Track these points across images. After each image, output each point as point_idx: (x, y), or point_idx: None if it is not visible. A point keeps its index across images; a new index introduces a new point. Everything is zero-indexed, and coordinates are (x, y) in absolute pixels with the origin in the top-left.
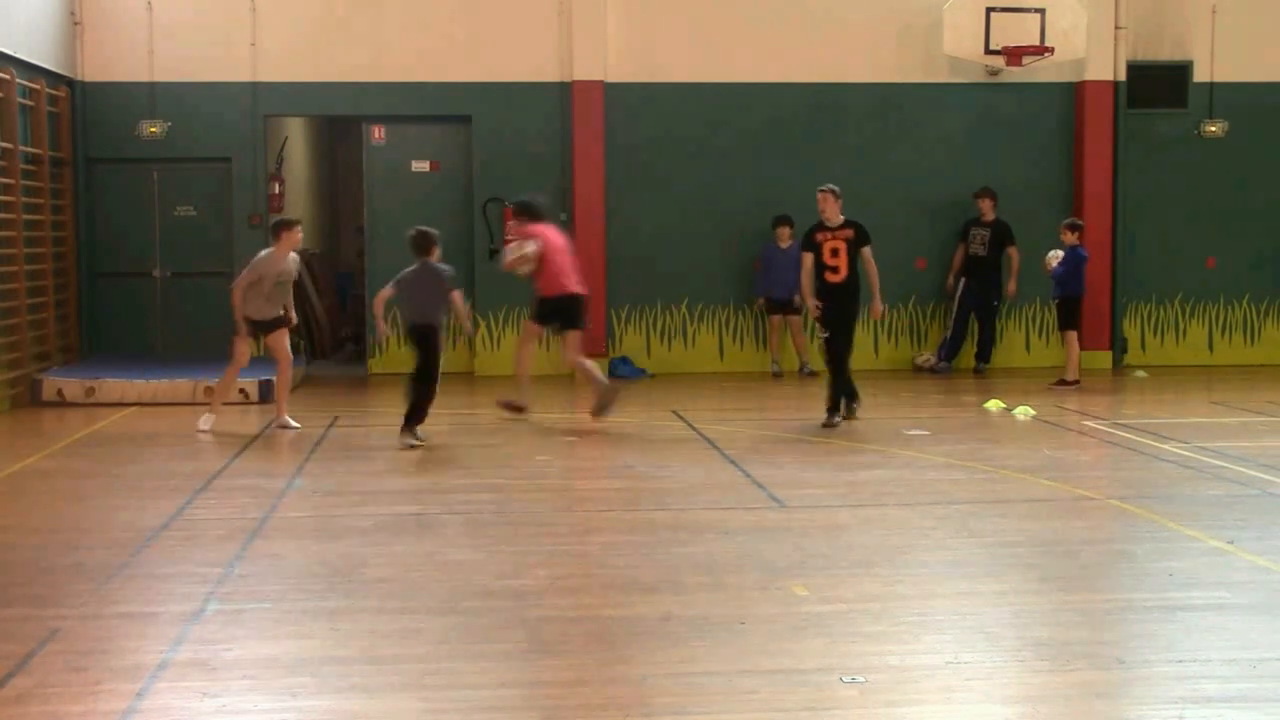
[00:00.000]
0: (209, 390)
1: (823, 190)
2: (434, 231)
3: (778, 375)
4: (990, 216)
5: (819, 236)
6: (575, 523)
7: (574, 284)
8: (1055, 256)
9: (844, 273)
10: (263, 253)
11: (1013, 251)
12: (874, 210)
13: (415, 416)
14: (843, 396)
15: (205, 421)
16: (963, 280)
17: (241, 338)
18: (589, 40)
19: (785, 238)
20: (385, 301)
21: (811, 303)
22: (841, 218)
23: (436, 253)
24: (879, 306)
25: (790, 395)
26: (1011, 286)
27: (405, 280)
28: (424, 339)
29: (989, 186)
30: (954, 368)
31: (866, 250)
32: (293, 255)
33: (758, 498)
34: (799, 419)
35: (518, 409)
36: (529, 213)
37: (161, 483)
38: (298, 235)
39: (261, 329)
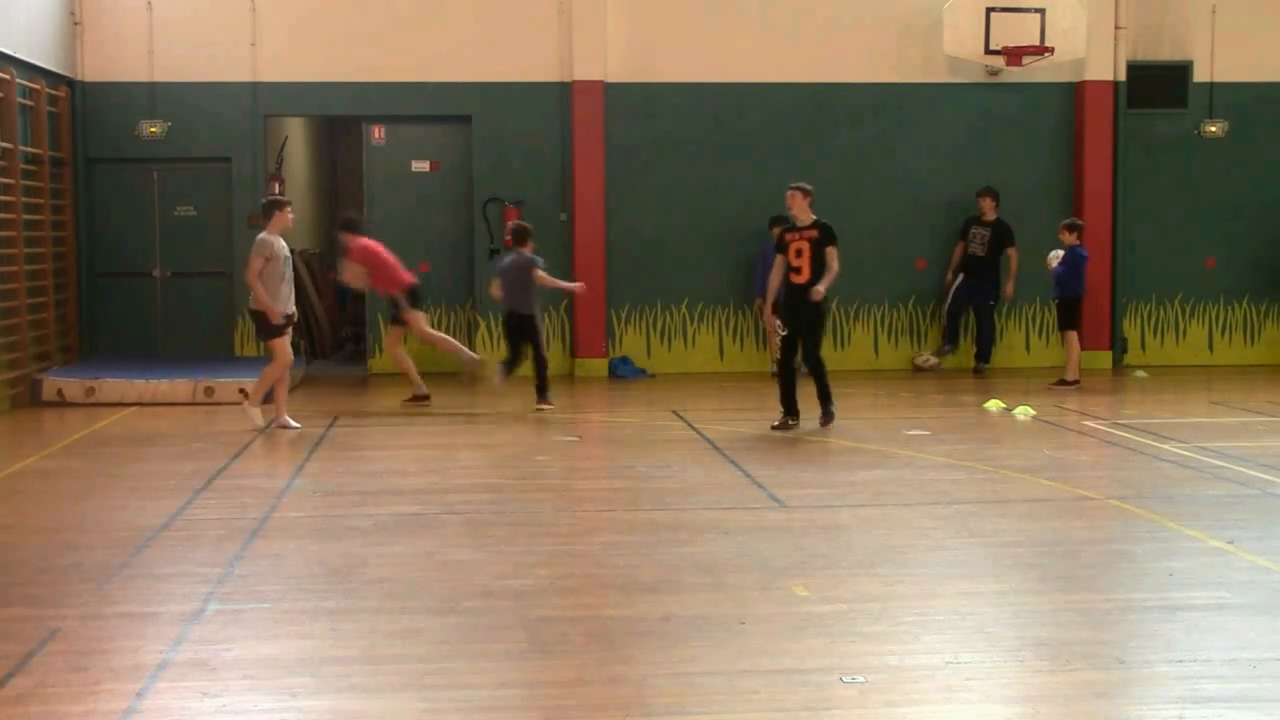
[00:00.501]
0: (208, 390)
1: (791, 188)
2: (529, 226)
3: (777, 375)
4: (991, 216)
5: (787, 236)
6: (575, 523)
7: (408, 274)
8: (1056, 256)
9: (806, 274)
10: (260, 236)
11: (1012, 253)
12: (874, 210)
13: (541, 384)
14: (821, 399)
15: (257, 417)
16: (960, 277)
17: (278, 332)
18: (589, 40)
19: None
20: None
21: (769, 314)
22: (811, 217)
23: (531, 245)
24: (820, 290)
25: None
26: (1009, 289)
27: (502, 269)
28: (521, 326)
29: (991, 186)
30: (956, 353)
31: (830, 250)
32: (280, 240)
33: (758, 498)
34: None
35: (422, 398)
36: (350, 228)
37: (161, 483)
38: (289, 215)
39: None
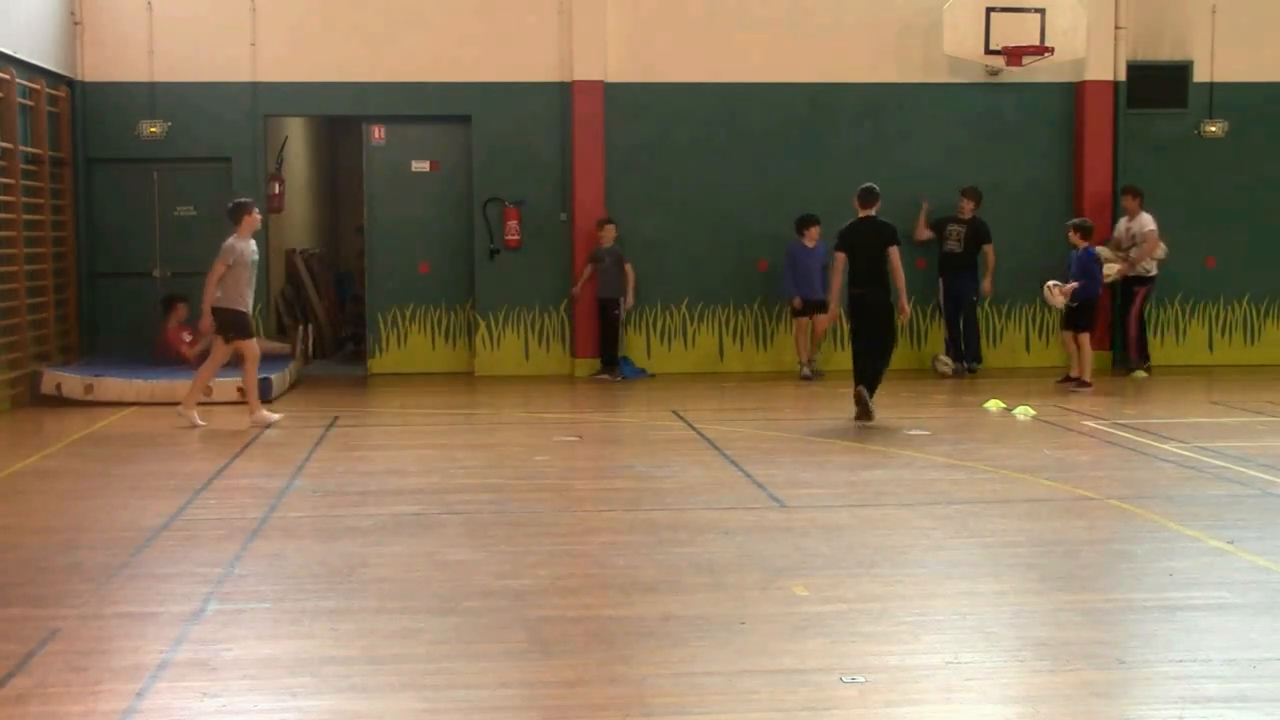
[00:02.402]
0: (207, 390)
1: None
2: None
3: (809, 378)
4: (968, 215)
5: None
6: (575, 523)
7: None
8: (1058, 287)
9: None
10: (229, 240)
11: (988, 250)
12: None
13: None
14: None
15: (261, 419)
16: (941, 279)
17: (248, 332)
18: (589, 40)
19: (814, 238)
20: None
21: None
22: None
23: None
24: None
25: (791, 395)
26: (986, 285)
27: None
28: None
29: (975, 186)
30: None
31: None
32: (251, 242)
33: (758, 498)
34: (799, 419)
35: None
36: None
37: (161, 483)
38: (256, 217)
39: (244, 323)
